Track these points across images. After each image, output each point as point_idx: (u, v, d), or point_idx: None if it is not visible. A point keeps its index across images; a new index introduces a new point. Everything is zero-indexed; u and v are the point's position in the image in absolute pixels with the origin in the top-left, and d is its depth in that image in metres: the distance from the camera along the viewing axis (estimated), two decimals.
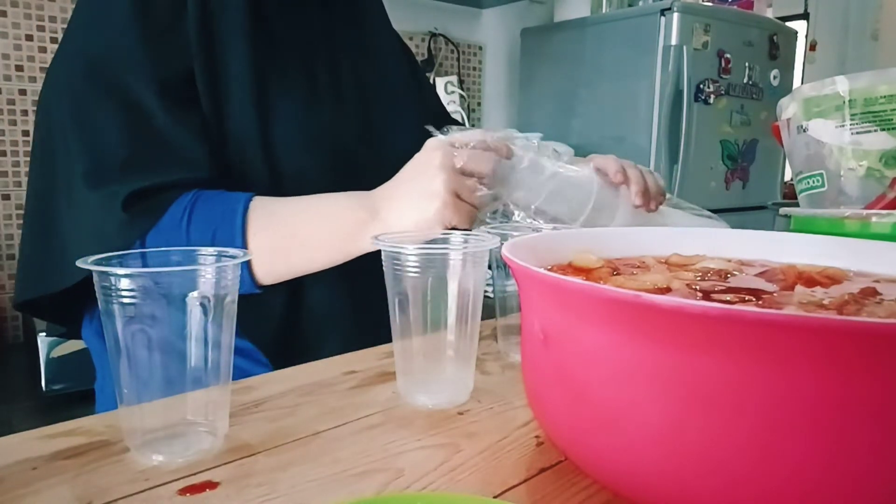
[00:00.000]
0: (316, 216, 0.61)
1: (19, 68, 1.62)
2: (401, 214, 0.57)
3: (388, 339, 0.59)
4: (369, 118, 0.77)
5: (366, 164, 0.74)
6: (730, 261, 0.43)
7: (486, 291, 0.48)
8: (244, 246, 0.58)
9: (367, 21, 0.83)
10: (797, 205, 0.66)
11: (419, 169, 0.58)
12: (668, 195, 0.74)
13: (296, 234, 0.60)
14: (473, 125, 2.54)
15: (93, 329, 0.68)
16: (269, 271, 0.60)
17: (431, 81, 2.36)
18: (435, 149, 0.58)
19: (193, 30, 0.62)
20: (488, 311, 0.62)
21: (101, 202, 0.57)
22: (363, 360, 0.54)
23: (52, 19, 1.66)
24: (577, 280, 0.29)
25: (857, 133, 0.59)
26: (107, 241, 0.56)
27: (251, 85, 0.65)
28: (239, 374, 0.46)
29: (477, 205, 0.58)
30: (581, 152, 2.28)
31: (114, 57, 0.60)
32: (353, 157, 0.74)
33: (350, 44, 0.78)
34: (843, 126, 0.59)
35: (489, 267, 0.51)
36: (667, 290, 0.33)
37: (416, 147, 0.60)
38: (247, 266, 0.59)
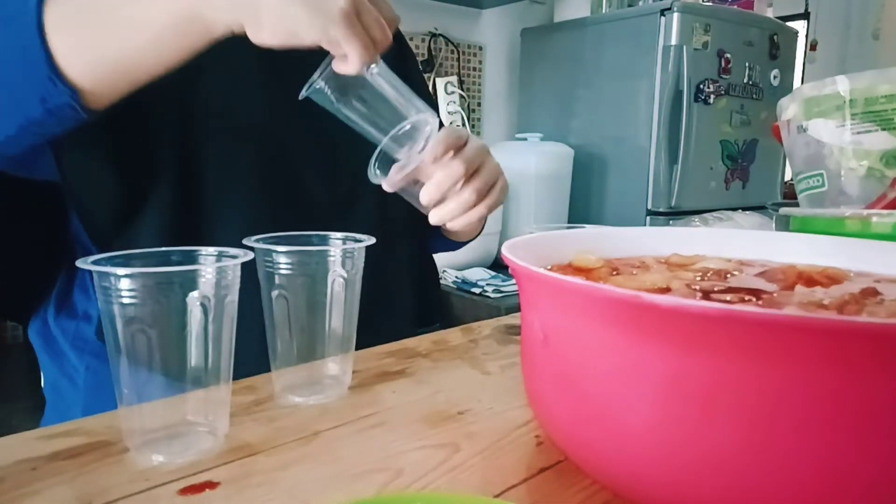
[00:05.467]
0: None
1: None
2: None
3: (388, 339, 0.60)
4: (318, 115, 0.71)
5: (305, 158, 0.67)
6: (730, 261, 0.43)
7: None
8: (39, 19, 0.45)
9: None
10: (797, 205, 0.66)
11: None
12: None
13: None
14: (473, 125, 2.55)
15: (36, 328, 0.66)
16: (75, 61, 0.46)
17: (431, 82, 2.36)
18: None
19: None
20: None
21: None
22: (363, 360, 0.54)
23: None
24: (577, 280, 0.29)
25: (858, 133, 0.59)
26: None
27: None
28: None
29: (378, 38, 0.49)
30: (581, 152, 2.29)
31: None
32: (282, 143, 0.67)
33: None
34: (844, 126, 0.59)
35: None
36: (667, 290, 0.33)
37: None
38: (49, 64, 0.45)
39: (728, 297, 0.33)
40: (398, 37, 0.88)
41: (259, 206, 0.63)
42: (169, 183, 0.59)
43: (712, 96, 2.06)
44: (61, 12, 0.46)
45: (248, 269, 0.40)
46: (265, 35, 0.46)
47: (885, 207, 0.54)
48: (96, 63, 0.47)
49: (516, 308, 0.59)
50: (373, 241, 0.46)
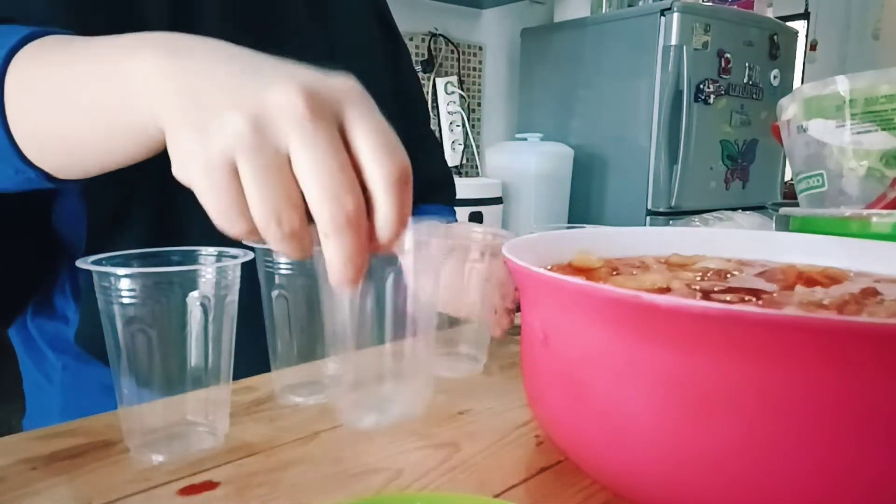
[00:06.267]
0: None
1: None
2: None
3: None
4: None
5: None
6: (730, 261, 0.43)
7: None
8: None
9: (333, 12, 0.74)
10: (797, 205, 0.66)
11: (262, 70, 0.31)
12: None
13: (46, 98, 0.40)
14: (473, 125, 2.55)
15: (14, 328, 0.65)
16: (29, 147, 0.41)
17: (431, 82, 2.36)
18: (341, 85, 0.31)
19: None
20: None
21: None
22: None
23: None
24: (577, 280, 0.29)
25: (858, 133, 0.59)
26: None
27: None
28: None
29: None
30: (581, 152, 2.28)
31: None
32: None
33: (303, 27, 0.69)
34: (844, 126, 0.60)
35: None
36: (667, 290, 0.33)
37: None
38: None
39: (728, 297, 0.33)
40: (392, 30, 0.86)
41: None
42: (155, 187, 0.57)
43: (712, 96, 2.06)
44: (17, 97, 0.40)
45: (248, 269, 0.40)
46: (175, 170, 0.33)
47: (885, 207, 0.54)
48: (48, 156, 0.42)
49: (516, 308, 0.59)
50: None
